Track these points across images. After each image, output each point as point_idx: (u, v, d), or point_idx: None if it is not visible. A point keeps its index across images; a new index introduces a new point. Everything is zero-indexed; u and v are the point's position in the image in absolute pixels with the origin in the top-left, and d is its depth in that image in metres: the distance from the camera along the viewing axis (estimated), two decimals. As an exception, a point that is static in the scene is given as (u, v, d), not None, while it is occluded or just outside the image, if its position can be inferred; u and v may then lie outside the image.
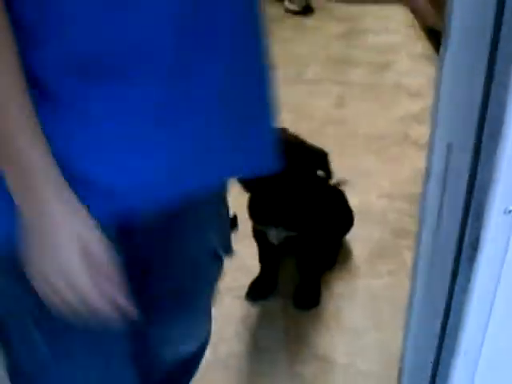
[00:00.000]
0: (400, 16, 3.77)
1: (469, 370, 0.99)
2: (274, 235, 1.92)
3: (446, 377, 1.02)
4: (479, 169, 0.84)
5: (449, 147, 0.90)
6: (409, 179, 2.55)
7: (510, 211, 0.82)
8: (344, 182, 2.16)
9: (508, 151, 0.79)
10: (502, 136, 0.77)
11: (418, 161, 2.60)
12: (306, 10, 3.64)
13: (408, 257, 2.17)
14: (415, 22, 3.68)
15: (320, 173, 1.86)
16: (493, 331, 0.95)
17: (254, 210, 1.93)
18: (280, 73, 2.89)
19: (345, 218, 2.15)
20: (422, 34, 3.56)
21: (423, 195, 1.00)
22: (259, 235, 1.99)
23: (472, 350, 0.97)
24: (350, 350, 1.92)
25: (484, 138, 0.82)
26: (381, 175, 2.56)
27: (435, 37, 3.43)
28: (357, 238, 2.24)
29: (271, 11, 3.79)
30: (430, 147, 0.94)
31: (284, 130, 1.80)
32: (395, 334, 1.92)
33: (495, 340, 0.96)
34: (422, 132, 2.79)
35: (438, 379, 1.08)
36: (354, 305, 2.05)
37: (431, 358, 1.08)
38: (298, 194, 1.83)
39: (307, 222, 1.90)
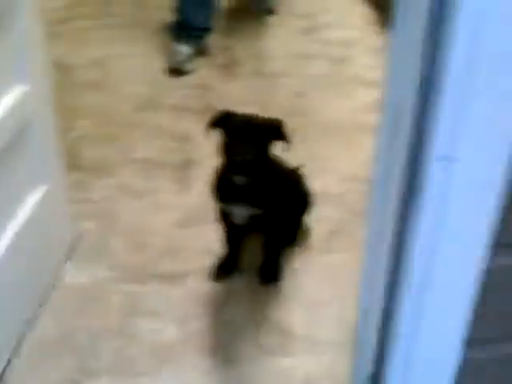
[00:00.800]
0: (358, 12, 3.90)
1: (416, 308, 1.12)
2: (239, 214, 2.00)
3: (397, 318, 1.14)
4: (422, 123, 0.96)
5: (397, 106, 1.03)
6: (366, 163, 2.66)
7: (447, 158, 0.94)
8: (303, 167, 2.26)
9: (444, 110, 0.91)
10: (440, 96, 0.90)
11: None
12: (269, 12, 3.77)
13: (363, 234, 2.30)
14: (373, 17, 3.80)
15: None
16: (439, 270, 1.07)
17: (218, 189, 2.02)
18: (243, 68, 3.04)
19: (305, 198, 2.26)
20: (379, 28, 3.69)
21: (375, 149, 1.13)
22: (223, 217, 2.09)
23: (417, 290, 1.09)
24: (310, 322, 2.03)
25: (426, 97, 0.94)
26: (340, 161, 2.68)
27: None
28: (317, 219, 2.36)
29: (236, 10, 3.91)
30: (382, 107, 1.07)
31: (234, 113, 1.91)
32: (352, 306, 2.05)
33: (441, 278, 1.08)
34: (377, 120, 2.92)
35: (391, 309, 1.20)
36: (312, 279, 2.17)
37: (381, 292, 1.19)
38: (262, 172, 1.93)
39: (271, 200, 1.99)
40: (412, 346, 1.23)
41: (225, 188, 2.01)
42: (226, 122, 1.90)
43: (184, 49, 3.25)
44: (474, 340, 1.26)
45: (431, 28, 0.93)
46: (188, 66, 3.26)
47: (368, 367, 1.34)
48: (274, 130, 1.91)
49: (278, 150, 1.97)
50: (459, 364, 1.28)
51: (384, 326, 1.27)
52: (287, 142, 1.92)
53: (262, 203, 1.99)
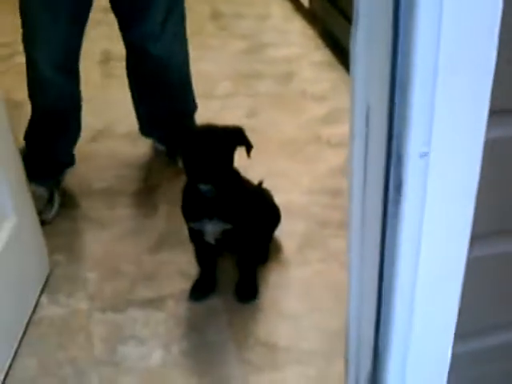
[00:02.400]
0: (297, 29, 3.98)
1: (406, 304, 1.16)
2: (210, 230, 2.02)
3: (389, 310, 1.18)
4: (395, 121, 0.99)
5: (367, 108, 1.06)
6: (326, 175, 2.73)
7: (424, 153, 0.98)
8: (263, 182, 2.29)
9: (415, 106, 0.95)
10: (410, 92, 0.93)
11: (332, 158, 2.83)
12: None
13: (333, 244, 2.36)
14: (313, 32, 3.89)
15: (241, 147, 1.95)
16: (424, 261, 1.11)
17: (187, 208, 2.05)
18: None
19: (273, 213, 2.30)
20: (320, 43, 3.77)
21: (350, 153, 1.16)
22: (195, 236, 2.11)
23: (406, 287, 1.13)
24: (290, 334, 2.06)
25: (396, 96, 0.98)
26: (299, 174, 2.73)
27: (333, 44, 3.65)
28: (284, 233, 2.40)
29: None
30: (352, 111, 1.10)
31: (189, 127, 1.94)
32: (331, 315, 2.10)
33: (426, 268, 1.12)
34: (331, 132, 3.00)
35: (382, 308, 1.23)
36: (289, 292, 2.20)
37: (373, 297, 1.23)
38: (229, 184, 1.96)
39: (241, 214, 2.02)
40: (407, 344, 1.27)
41: (194, 205, 2.03)
42: (183, 138, 1.92)
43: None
44: (464, 332, 1.30)
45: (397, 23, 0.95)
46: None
47: (367, 368, 1.38)
48: (233, 136, 1.93)
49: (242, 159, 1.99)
50: (452, 357, 1.32)
51: (378, 328, 1.31)
52: (248, 146, 1.94)
53: (232, 217, 2.02)
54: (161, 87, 2.63)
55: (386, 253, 1.14)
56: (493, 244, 1.20)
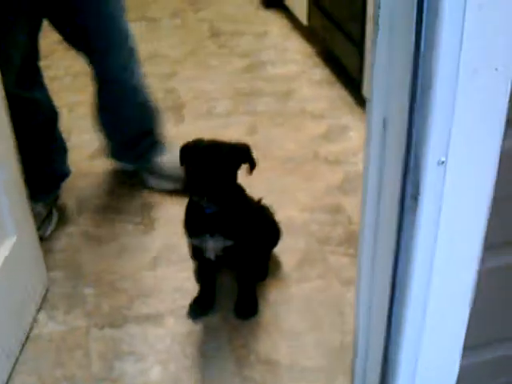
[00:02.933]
0: (296, 47, 3.98)
1: (418, 314, 1.14)
2: (211, 247, 2.01)
3: (400, 322, 1.17)
4: (414, 130, 0.99)
5: (385, 118, 1.06)
6: (324, 192, 2.72)
7: (442, 162, 0.98)
8: (262, 199, 2.28)
9: (435, 115, 0.95)
10: (430, 102, 0.93)
11: (331, 175, 2.82)
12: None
13: (333, 261, 2.34)
14: (311, 50, 3.89)
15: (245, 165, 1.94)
16: (437, 272, 1.10)
17: (189, 224, 2.03)
18: (191, 110, 3.06)
19: (274, 230, 2.28)
20: (318, 61, 3.77)
21: (365, 162, 1.15)
22: (196, 253, 2.09)
23: (420, 293, 1.12)
24: (291, 351, 2.04)
25: (416, 106, 0.98)
26: (298, 191, 2.72)
27: (331, 61, 3.66)
28: (284, 250, 2.38)
29: (175, 52, 3.95)
30: (369, 121, 1.10)
31: (195, 141, 1.93)
32: (332, 331, 2.08)
33: (440, 280, 1.11)
34: (329, 149, 2.99)
35: (393, 319, 1.22)
36: (289, 309, 2.18)
37: (385, 304, 1.21)
38: (231, 200, 1.95)
39: (243, 231, 2.01)
40: (417, 355, 1.26)
41: (195, 221, 2.01)
42: (186, 153, 1.92)
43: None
44: (472, 343, 1.29)
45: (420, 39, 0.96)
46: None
47: (375, 381, 1.36)
48: (239, 153, 1.92)
49: (241, 175, 1.98)
50: (459, 369, 1.31)
51: (388, 339, 1.29)
52: (252, 164, 1.93)
53: (233, 234, 2.00)
54: (126, 109, 2.66)
55: (400, 262, 1.13)
56: (504, 255, 1.20)
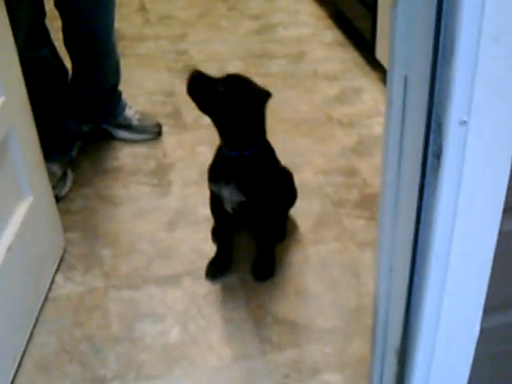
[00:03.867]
0: (308, 9, 3.95)
1: (440, 274, 1.15)
2: (227, 197, 2.01)
3: (422, 281, 1.17)
4: (436, 90, 0.99)
5: (405, 77, 1.06)
6: (339, 155, 2.72)
7: (464, 122, 0.98)
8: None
9: (458, 74, 0.94)
10: (454, 58, 0.93)
11: (344, 138, 2.82)
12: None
13: (348, 223, 2.36)
14: (323, 13, 3.86)
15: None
16: (459, 233, 1.10)
17: (211, 169, 2.05)
18: (203, 70, 3.06)
19: (290, 194, 2.29)
20: (330, 23, 3.75)
21: (386, 122, 1.15)
22: (215, 204, 2.11)
23: (442, 254, 1.12)
24: (308, 312, 2.06)
25: (438, 65, 0.97)
26: (313, 154, 2.72)
27: (343, 24, 3.63)
28: (300, 212, 2.39)
29: (186, 14, 3.92)
30: (390, 80, 1.09)
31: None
32: (348, 293, 2.10)
33: (462, 241, 1.12)
34: (343, 112, 2.99)
35: (413, 287, 1.23)
36: (305, 271, 2.20)
37: (406, 271, 1.22)
38: (256, 155, 1.97)
39: (257, 188, 2.01)
40: (439, 316, 1.26)
41: (217, 167, 2.03)
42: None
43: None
44: (492, 305, 1.29)
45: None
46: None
47: (396, 343, 1.37)
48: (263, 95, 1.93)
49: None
50: (480, 331, 1.32)
51: (409, 301, 1.30)
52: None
53: (247, 189, 2.00)
54: (108, 64, 2.73)
55: (422, 222, 1.13)
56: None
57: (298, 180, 2.38)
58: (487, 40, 0.93)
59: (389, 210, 1.28)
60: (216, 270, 2.18)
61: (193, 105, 1.96)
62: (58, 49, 2.52)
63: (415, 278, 1.26)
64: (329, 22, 3.79)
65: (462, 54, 0.94)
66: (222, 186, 2.00)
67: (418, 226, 1.16)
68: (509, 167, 1.08)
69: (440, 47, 0.98)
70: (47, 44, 2.44)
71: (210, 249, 2.24)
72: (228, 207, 2.05)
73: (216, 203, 2.10)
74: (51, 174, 2.40)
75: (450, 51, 0.95)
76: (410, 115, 1.13)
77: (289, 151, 2.66)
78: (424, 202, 1.12)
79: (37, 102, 2.13)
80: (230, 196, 2.01)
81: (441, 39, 0.97)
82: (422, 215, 1.14)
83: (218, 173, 2.01)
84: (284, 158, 2.29)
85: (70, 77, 2.63)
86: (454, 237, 1.11)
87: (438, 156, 1.02)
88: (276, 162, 2.11)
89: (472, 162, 1.05)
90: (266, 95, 1.92)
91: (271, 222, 2.16)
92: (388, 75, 1.12)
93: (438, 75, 1.00)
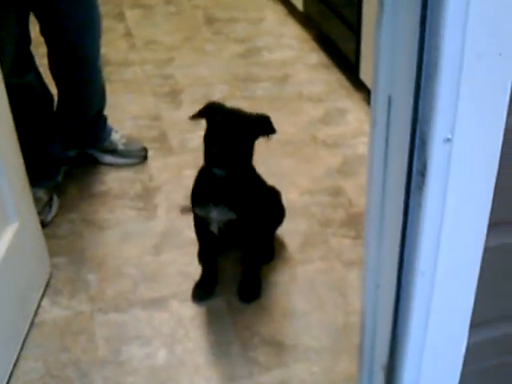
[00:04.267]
0: (292, 32, 3.98)
1: (426, 290, 1.15)
2: (215, 218, 2.00)
3: (408, 297, 1.18)
4: (420, 108, 1.00)
5: (389, 96, 1.07)
6: (324, 175, 2.73)
7: (448, 139, 0.99)
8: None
9: (442, 92, 0.95)
10: (437, 75, 0.94)
11: (329, 158, 2.83)
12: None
13: (334, 243, 2.36)
14: (307, 35, 3.89)
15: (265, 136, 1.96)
16: (444, 249, 1.11)
17: (195, 193, 2.04)
18: (188, 94, 3.05)
19: (278, 212, 2.29)
20: (314, 45, 3.78)
21: (370, 140, 1.16)
22: (200, 227, 2.10)
23: (428, 270, 1.13)
24: (295, 332, 2.05)
25: (422, 83, 0.99)
26: (298, 174, 2.73)
27: (327, 46, 3.66)
28: (286, 232, 2.40)
29: (171, 38, 3.94)
30: (374, 99, 1.10)
31: (220, 104, 1.95)
32: (335, 312, 2.10)
33: (447, 257, 1.12)
34: (328, 133, 3.00)
35: (400, 303, 1.23)
36: (292, 290, 2.20)
37: (393, 284, 1.22)
38: (242, 174, 1.96)
39: (247, 205, 2.01)
40: (425, 332, 1.27)
41: (202, 190, 2.02)
42: (210, 112, 1.92)
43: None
44: (479, 321, 1.29)
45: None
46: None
47: (383, 359, 1.37)
48: (260, 123, 1.94)
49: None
50: (467, 347, 1.32)
51: (396, 316, 1.30)
52: (273, 132, 1.95)
53: (237, 207, 2.00)
54: (93, 89, 2.72)
55: (408, 239, 1.14)
56: (510, 232, 1.20)
57: (284, 200, 2.38)
58: (470, 57, 0.94)
59: (374, 227, 1.29)
60: (202, 292, 2.17)
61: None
62: (44, 75, 2.52)
63: (401, 294, 1.27)
64: (313, 44, 3.82)
65: (445, 71, 0.96)
66: (211, 208, 2.00)
67: (403, 242, 1.17)
68: (493, 183, 1.09)
69: (424, 65, 0.99)
70: (32, 70, 2.45)
71: (196, 271, 2.23)
72: (214, 228, 2.05)
73: (201, 226, 2.10)
74: (37, 200, 2.39)
75: (434, 69, 0.97)
76: (394, 134, 1.14)
77: (274, 172, 2.67)
78: (409, 219, 1.13)
79: (22, 128, 2.13)
80: (219, 216, 2.01)
81: (424, 57, 0.99)
82: (408, 232, 1.15)
83: (204, 196, 2.01)
84: (270, 178, 2.30)
85: (55, 102, 2.63)
86: (439, 253, 1.12)
87: (423, 173, 1.03)
88: (262, 180, 2.12)
89: (457, 179, 1.06)
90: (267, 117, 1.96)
91: (258, 240, 2.17)
92: (372, 95, 1.13)
93: (421, 93, 1.02)
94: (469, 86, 0.98)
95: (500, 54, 0.95)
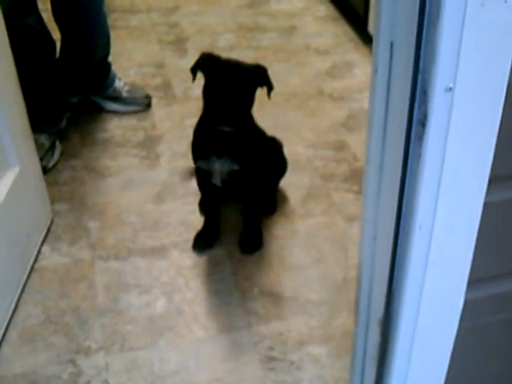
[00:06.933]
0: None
1: (424, 244, 1.14)
2: (218, 170, 1.99)
3: (405, 251, 1.17)
4: (422, 56, 0.98)
5: (391, 44, 1.04)
6: (329, 129, 2.71)
7: (450, 88, 0.96)
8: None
9: (444, 41, 0.93)
10: (440, 23, 0.91)
11: (335, 112, 2.80)
12: None
13: (336, 197, 2.35)
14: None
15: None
16: (443, 203, 1.09)
17: (197, 147, 2.02)
18: (194, 43, 3.02)
19: (280, 163, 2.28)
20: (323, -3, 3.72)
21: (371, 90, 1.13)
22: (202, 179, 2.09)
23: (426, 224, 1.11)
24: (295, 284, 2.05)
25: (424, 31, 0.96)
26: (303, 127, 2.70)
27: (337, -2, 3.60)
28: (289, 185, 2.38)
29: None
30: (375, 47, 1.08)
31: (217, 56, 1.90)
32: (335, 266, 2.09)
33: (446, 211, 1.11)
34: (334, 86, 2.96)
35: (397, 257, 1.22)
36: (293, 244, 2.19)
37: (389, 241, 1.21)
38: (244, 126, 1.93)
39: (250, 156, 1.99)
40: (422, 287, 1.26)
41: (204, 144, 2.00)
42: (208, 65, 1.88)
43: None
44: (476, 277, 1.29)
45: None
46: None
47: (379, 313, 1.37)
48: (257, 75, 1.91)
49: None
50: (463, 305, 1.31)
51: (393, 269, 1.29)
52: (270, 87, 1.94)
53: (240, 158, 1.98)
54: (99, 35, 2.69)
55: (406, 191, 1.12)
56: (510, 188, 1.19)
57: (288, 153, 2.37)
58: (474, 4, 0.91)
59: (373, 178, 1.27)
60: (203, 242, 2.17)
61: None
62: (46, 20, 2.48)
63: (399, 248, 1.26)
64: (321, -5, 3.76)
65: (448, 18, 0.93)
66: (214, 160, 1.98)
67: (401, 195, 1.15)
68: (495, 135, 1.06)
69: (426, 12, 0.96)
70: (33, 13, 2.41)
71: (198, 221, 2.23)
72: (217, 180, 2.04)
73: (203, 178, 2.08)
74: (39, 145, 2.38)
75: (436, 16, 0.94)
76: (395, 82, 1.12)
77: (279, 124, 2.65)
78: (408, 170, 1.11)
79: (24, 72, 2.10)
80: (221, 167, 1.99)
81: (427, 3, 0.96)
82: (406, 184, 1.13)
83: (206, 149, 1.99)
84: (274, 130, 2.28)
85: (58, 48, 2.59)
86: (438, 207, 1.10)
87: (423, 123, 1.01)
88: (261, 131, 2.10)
89: (457, 130, 1.03)
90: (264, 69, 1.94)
91: (260, 192, 2.15)
92: (374, 41, 1.11)
93: (423, 41, 0.99)
94: (472, 33, 0.95)
95: (505, 2, 0.93)
